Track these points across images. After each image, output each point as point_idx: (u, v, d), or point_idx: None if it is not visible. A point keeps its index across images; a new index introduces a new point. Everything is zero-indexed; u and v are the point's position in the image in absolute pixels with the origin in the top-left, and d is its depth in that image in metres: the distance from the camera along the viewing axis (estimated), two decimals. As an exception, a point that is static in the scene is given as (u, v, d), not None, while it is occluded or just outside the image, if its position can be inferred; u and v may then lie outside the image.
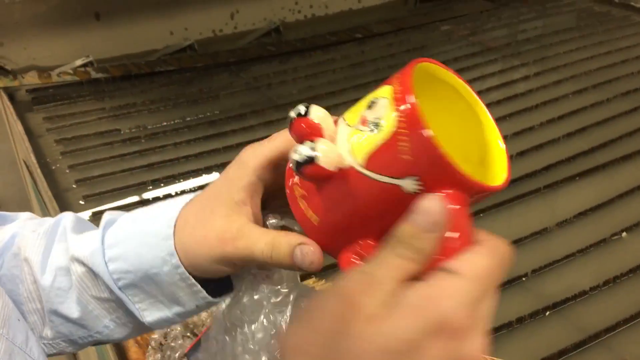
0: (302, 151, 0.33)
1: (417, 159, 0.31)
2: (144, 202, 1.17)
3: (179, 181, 1.25)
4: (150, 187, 1.23)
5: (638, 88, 1.50)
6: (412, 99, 0.31)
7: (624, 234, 1.05)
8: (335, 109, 1.51)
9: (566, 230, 1.07)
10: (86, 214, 1.14)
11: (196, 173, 1.27)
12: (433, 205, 0.30)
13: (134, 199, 1.19)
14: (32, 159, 1.22)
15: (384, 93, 0.33)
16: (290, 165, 0.37)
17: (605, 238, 1.04)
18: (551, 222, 1.08)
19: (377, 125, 0.32)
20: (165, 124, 1.47)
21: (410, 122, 0.31)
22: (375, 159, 0.33)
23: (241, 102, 1.59)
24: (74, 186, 1.22)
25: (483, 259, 0.30)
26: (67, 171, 1.28)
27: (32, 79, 1.55)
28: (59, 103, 1.55)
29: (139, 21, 1.87)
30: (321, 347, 0.29)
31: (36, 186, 1.20)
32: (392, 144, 0.32)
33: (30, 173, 1.24)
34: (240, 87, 1.69)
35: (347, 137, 0.34)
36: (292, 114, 0.35)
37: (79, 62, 1.70)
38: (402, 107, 0.31)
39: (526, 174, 1.20)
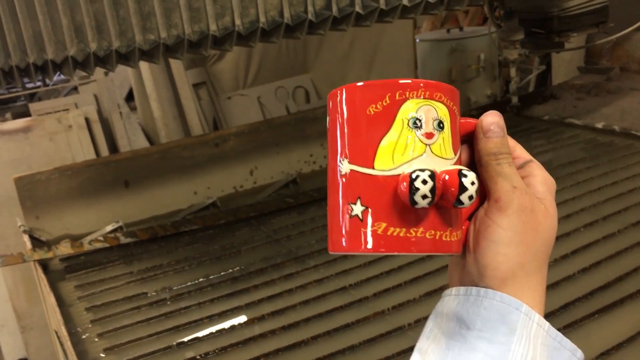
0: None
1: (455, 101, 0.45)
2: (169, 368, 1.20)
3: (204, 341, 1.28)
4: (176, 351, 1.26)
5: (647, 217, 1.53)
6: (422, 81, 0.42)
7: (650, 373, 1.04)
8: (353, 257, 1.52)
9: (590, 373, 1.06)
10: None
11: (219, 334, 1.30)
12: (498, 117, 0.47)
13: (160, 364, 1.22)
14: (63, 331, 1.27)
15: (409, 111, 0.42)
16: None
17: (631, 379, 1.03)
18: (574, 365, 1.06)
19: (439, 123, 0.42)
20: (190, 283, 1.53)
21: (446, 89, 0.44)
22: (457, 140, 0.45)
23: (262, 255, 1.66)
24: (102, 355, 1.26)
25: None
26: (96, 339, 1.32)
27: (65, 249, 1.64)
28: (90, 270, 1.63)
29: (165, 184, 2.00)
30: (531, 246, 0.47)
31: (66, 357, 1.24)
32: (454, 117, 0.44)
33: (61, 344, 1.28)
34: (261, 241, 1.76)
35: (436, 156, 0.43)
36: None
37: (109, 228, 1.81)
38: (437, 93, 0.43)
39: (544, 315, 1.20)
